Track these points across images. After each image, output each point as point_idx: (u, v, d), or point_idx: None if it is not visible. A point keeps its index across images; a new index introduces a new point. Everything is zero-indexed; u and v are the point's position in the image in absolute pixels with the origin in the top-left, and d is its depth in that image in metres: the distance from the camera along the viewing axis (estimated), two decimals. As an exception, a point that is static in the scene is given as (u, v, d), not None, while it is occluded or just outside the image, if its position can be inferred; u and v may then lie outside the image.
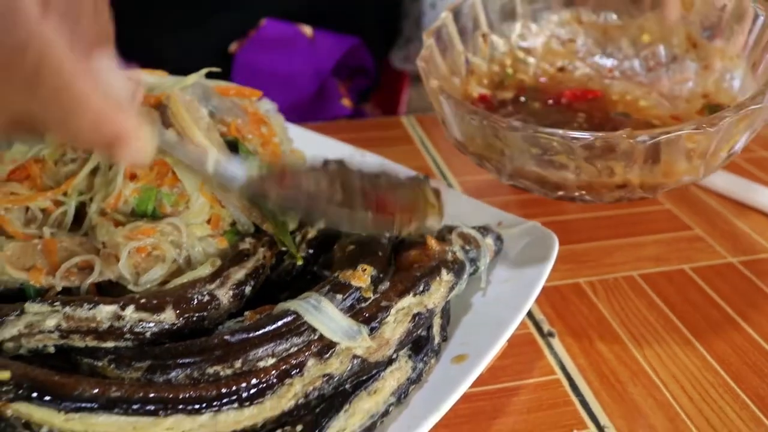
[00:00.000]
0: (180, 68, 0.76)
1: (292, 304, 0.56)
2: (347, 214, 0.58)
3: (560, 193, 0.74)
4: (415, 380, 0.58)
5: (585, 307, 0.75)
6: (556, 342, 0.71)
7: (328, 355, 0.54)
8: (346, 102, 1.28)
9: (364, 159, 0.87)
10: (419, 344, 0.60)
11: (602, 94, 0.91)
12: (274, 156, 0.73)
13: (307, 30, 1.24)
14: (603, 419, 0.62)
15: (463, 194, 0.80)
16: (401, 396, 0.57)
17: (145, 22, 1.28)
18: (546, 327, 0.72)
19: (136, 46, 1.22)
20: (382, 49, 1.38)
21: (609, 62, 0.94)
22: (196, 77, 0.72)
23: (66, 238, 0.64)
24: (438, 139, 1.07)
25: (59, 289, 0.60)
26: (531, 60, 0.95)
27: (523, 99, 0.92)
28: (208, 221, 0.66)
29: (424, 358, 0.59)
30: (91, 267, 0.61)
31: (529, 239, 0.73)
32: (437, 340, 0.62)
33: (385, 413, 0.55)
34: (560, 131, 0.66)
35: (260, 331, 0.54)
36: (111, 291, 0.62)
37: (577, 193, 0.74)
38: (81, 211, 0.68)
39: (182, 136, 0.64)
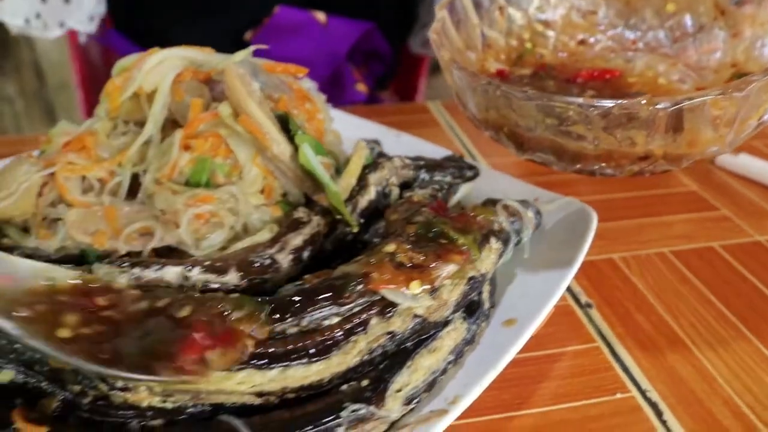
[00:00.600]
0: None
1: (352, 267, 0.57)
2: None
3: (578, 165, 0.72)
4: (470, 341, 0.60)
5: (619, 280, 0.77)
6: (594, 312, 0.73)
7: (390, 314, 0.56)
8: (361, 87, 1.29)
9: (399, 139, 0.89)
10: (472, 308, 0.62)
11: (620, 74, 0.87)
12: (318, 133, 0.75)
13: (321, 16, 1.26)
14: (644, 383, 0.65)
15: (499, 172, 0.82)
16: (458, 355, 0.59)
17: (161, 11, 1.29)
18: (584, 299, 0.75)
19: (153, 34, 1.24)
20: (398, 35, 1.39)
21: (632, 34, 0.90)
22: (245, 53, 0.74)
23: (124, 205, 0.65)
24: (465, 123, 1.09)
25: (123, 252, 0.61)
26: (550, 33, 0.91)
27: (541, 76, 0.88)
28: (261, 191, 0.67)
29: (477, 321, 0.62)
30: (151, 233, 0.63)
31: (565, 214, 0.75)
32: (487, 305, 0.64)
33: (444, 371, 0.57)
34: (577, 98, 0.64)
35: (324, 293, 0.56)
36: (169, 257, 0.64)
37: (596, 166, 0.71)
38: (134, 182, 0.70)
39: (236, 105, 0.66)
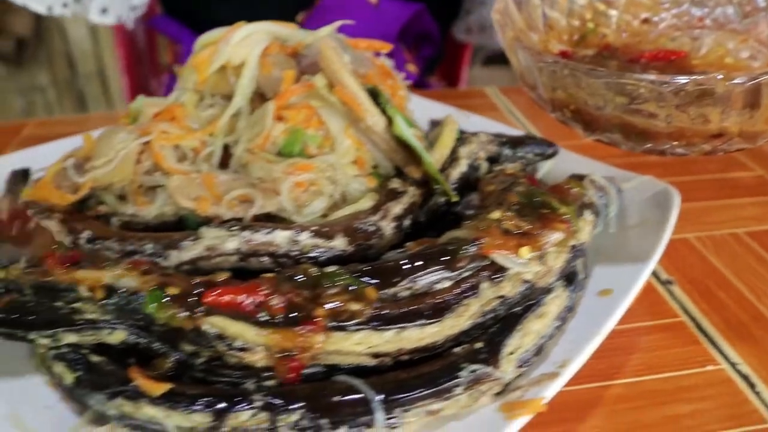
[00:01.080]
0: None
1: (461, 232, 0.58)
2: None
3: (648, 145, 0.70)
4: (571, 308, 0.61)
5: (696, 259, 0.78)
6: (675, 289, 0.74)
7: (500, 279, 0.56)
8: (411, 67, 1.30)
9: (469, 120, 0.89)
10: (570, 277, 0.63)
11: (685, 55, 0.83)
12: (400, 109, 0.75)
13: None
14: (733, 356, 0.65)
15: (574, 153, 0.82)
16: (562, 322, 0.59)
17: None
18: (664, 276, 0.75)
19: (203, 17, 1.25)
20: (445, 18, 1.40)
21: (698, 11, 0.85)
22: (331, 29, 0.74)
23: (219, 174, 0.66)
24: (526, 108, 1.10)
25: (226, 218, 0.62)
26: (612, 13, 0.88)
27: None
28: (354, 162, 0.68)
29: (576, 289, 0.62)
30: (250, 200, 0.63)
31: (645, 192, 0.76)
32: (582, 275, 0.64)
33: (551, 336, 0.58)
34: (649, 75, 0.62)
35: (436, 257, 0.56)
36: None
37: (667, 145, 0.69)
38: (223, 152, 0.70)
39: (331, 77, 0.66)
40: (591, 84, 0.65)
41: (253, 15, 1.25)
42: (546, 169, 0.77)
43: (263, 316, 0.52)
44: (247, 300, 0.52)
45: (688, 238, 0.81)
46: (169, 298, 0.53)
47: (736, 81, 0.60)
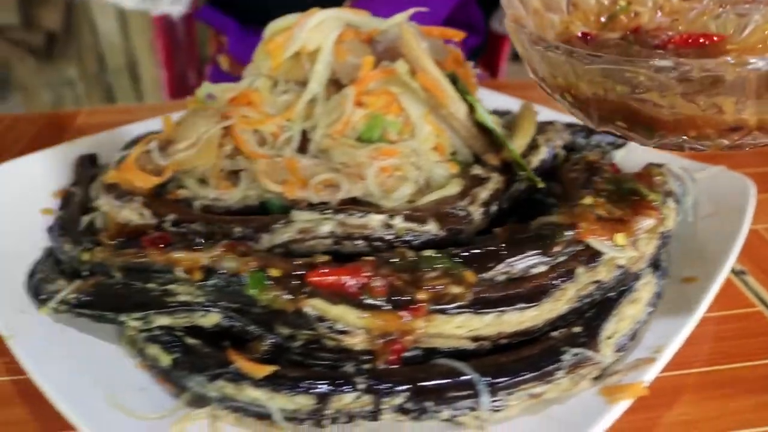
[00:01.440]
0: None
1: (556, 218, 0.58)
2: None
3: (659, 138, 0.61)
4: (660, 294, 0.61)
5: (767, 250, 0.78)
6: (749, 279, 0.73)
7: (595, 264, 0.56)
8: None
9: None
10: (657, 264, 0.63)
11: (722, 39, 0.69)
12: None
13: None
14: (816, 345, 0.65)
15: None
16: (654, 307, 0.59)
17: None
18: (737, 266, 0.75)
19: (250, 5, 1.24)
20: (488, 7, 1.39)
21: None
22: (404, 16, 0.74)
23: (300, 158, 0.66)
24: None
25: (315, 201, 0.61)
26: None
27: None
28: (434, 149, 0.68)
29: (663, 276, 0.62)
30: (334, 185, 0.63)
31: (718, 183, 0.75)
32: (665, 262, 0.64)
33: (644, 321, 0.58)
34: (647, 60, 0.55)
35: (533, 242, 0.56)
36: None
37: (680, 138, 0.61)
38: (301, 137, 0.70)
39: (414, 62, 0.66)
40: (588, 71, 0.58)
41: (300, 3, 1.25)
42: (617, 158, 0.77)
43: (366, 299, 0.52)
44: (350, 282, 0.52)
45: (758, 229, 0.81)
46: (271, 281, 0.53)
47: (749, 66, 0.52)
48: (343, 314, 0.52)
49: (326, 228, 0.57)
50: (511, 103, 0.91)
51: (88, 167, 0.80)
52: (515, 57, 2.07)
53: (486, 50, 1.42)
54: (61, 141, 0.87)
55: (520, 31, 0.62)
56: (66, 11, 2.13)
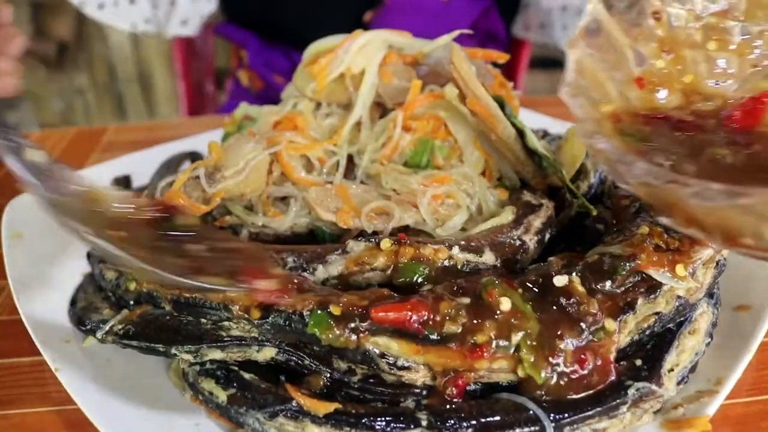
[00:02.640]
0: (314, 38, 0.76)
1: (615, 249, 0.57)
2: None
3: None
4: (715, 324, 0.60)
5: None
6: (793, 303, 0.73)
7: (654, 295, 0.55)
8: None
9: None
10: (710, 293, 0.62)
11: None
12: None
13: None
14: None
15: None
16: (711, 337, 0.59)
17: None
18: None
19: (269, 20, 1.23)
20: (510, 16, 1.38)
21: None
22: (447, 39, 0.74)
23: (351, 184, 0.65)
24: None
25: (369, 230, 0.61)
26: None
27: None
28: (483, 174, 0.67)
29: (717, 305, 0.62)
30: (386, 213, 0.62)
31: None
32: (718, 292, 0.64)
33: (703, 353, 0.57)
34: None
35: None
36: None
37: None
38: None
39: (463, 87, 0.66)
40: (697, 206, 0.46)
41: (320, 17, 1.24)
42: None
43: (431, 334, 0.51)
44: (413, 317, 0.51)
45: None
46: (332, 319, 0.52)
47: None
48: (406, 350, 0.52)
49: (382, 260, 0.56)
50: (544, 121, 0.91)
51: (122, 189, 0.79)
52: (533, 65, 2.07)
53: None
54: (90, 158, 0.86)
55: (595, 138, 0.52)
56: (77, 21, 2.12)
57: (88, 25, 2.17)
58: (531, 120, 0.90)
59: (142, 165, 0.82)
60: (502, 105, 0.69)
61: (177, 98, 1.45)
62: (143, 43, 2.25)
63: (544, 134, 0.81)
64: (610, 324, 0.53)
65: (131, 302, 0.62)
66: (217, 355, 0.56)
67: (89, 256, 0.71)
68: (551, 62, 2.14)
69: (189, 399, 0.57)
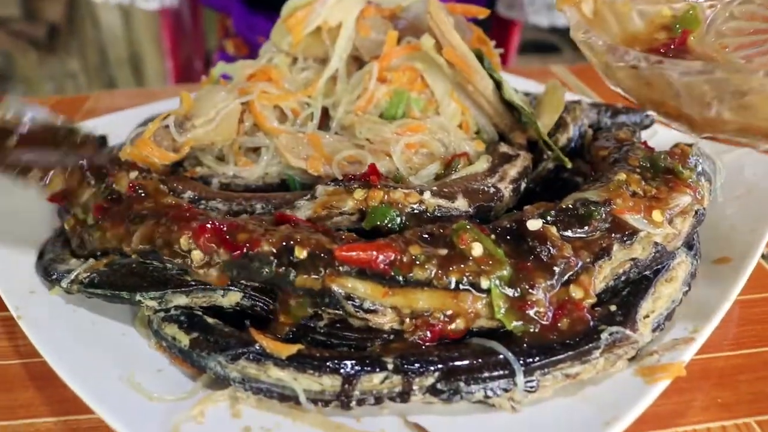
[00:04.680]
0: None
1: (590, 194, 0.56)
2: None
3: None
4: (694, 274, 0.59)
5: (795, 233, 0.76)
6: (779, 263, 0.72)
7: (630, 241, 0.54)
8: None
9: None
10: (690, 244, 0.61)
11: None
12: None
13: None
14: None
15: (667, 127, 0.80)
16: (688, 287, 0.57)
17: None
18: (765, 249, 0.73)
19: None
20: None
21: None
22: (425, -8, 0.72)
23: (324, 134, 0.64)
24: (598, 87, 1.07)
25: (339, 178, 0.59)
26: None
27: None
28: (459, 126, 0.66)
29: (696, 255, 0.60)
30: (358, 161, 0.61)
31: (747, 164, 0.74)
32: (697, 243, 0.62)
33: (680, 301, 0.56)
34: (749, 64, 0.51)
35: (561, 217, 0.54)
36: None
37: None
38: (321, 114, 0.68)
39: (440, 37, 0.64)
40: (688, 84, 0.53)
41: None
42: (643, 138, 0.75)
43: (397, 276, 0.50)
44: (380, 257, 0.50)
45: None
46: (297, 259, 0.50)
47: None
48: (372, 292, 0.50)
49: (351, 203, 0.55)
50: (530, 86, 0.89)
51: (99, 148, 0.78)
52: (526, 49, 2.06)
53: (490, 28, 1.40)
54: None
55: (596, 39, 0.58)
56: (68, 3, 2.11)
57: (79, 7, 2.16)
58: (517, 84, 0.88)
59: (125, 127, 0.81)
60: (480, 58, 0.68)
61: (166, 76, 1.44)
62: (135, 25, 2.24)
63: (527, 95, 0.79)
64: (585, 268, 0.52)
65: (98, 254, 0.61)
66: (181, 300, 0.55)
67: (60, 211, 0.70)
68: (545, 46, 2.13)
69: (153, 346, 0.56)
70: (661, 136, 0.77)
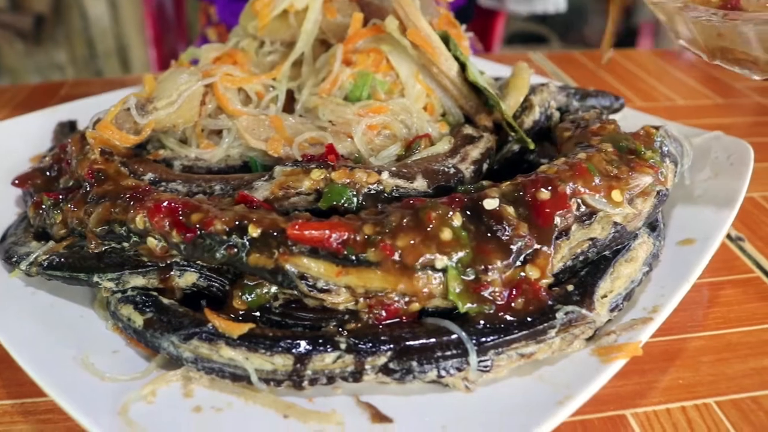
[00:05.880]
0: None
1: (550, 174, 0.55)
2: None
3: None
4: (656, 255, 0.58)
5: (765, 216, 0.76)
6: (747, 246, 0.71)
7: (590, 221, 0.54)
8: None
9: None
10: (653, 225, 0.60)
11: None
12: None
13: None
14: (814, 311, 0.63)
15: (639, 112, 0.80)
16: (649, 267, 0.57)
17: None
18: (733, 232, 0.73)
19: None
20: None
21: None
22: (394, -25, 0.72)
23: (287, 117, 0.63)
24: (577, 73, 1.07)
25: (299, 158, 0.59)
26: None
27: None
28: (424, 108, 0.65)
29: (659, 237, 0.60)
30: (320, 143, 0.61)
31: (716, 147, 0.73)
32: (661, 224, 0.62)
33: (640, 281, 0.56)
34: None
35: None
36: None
37: None
38: (287, 98, 0.68)
39: (404, 18, 0.64)
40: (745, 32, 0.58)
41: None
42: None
43: (351, 255, 0.49)
44: (332, 236, 0.49)
45: (754, 197, 0.79)
46: (250, 238, 0.50)
47: None
48: (325, 271, 0.50)
49: (309, 183, 0.54)
50: (504, 71, 0.89)
51: (67, 133, 0.78)
52: (512, 40, 2.05)
53: (472, 16, 1.39)
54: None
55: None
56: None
57: (66, -2, 2.15)
58: (498, 71, 0.88)
59: (94, 112, 0.80)
60: (446, 40, 0.67)
61: (150, 66, 1.44)
62: (122, 16, 2.23)
63: (496, 79, 0.79)
64: (541, 248, 0.51)
65: (59, 237, 0.60)
66: (138, 281, 0.55)
67: (24, 195, 0.70)
68: (533, 37, 2.13)
69: (110, 328, 0.55)
70: (630, 120, 0.77)
